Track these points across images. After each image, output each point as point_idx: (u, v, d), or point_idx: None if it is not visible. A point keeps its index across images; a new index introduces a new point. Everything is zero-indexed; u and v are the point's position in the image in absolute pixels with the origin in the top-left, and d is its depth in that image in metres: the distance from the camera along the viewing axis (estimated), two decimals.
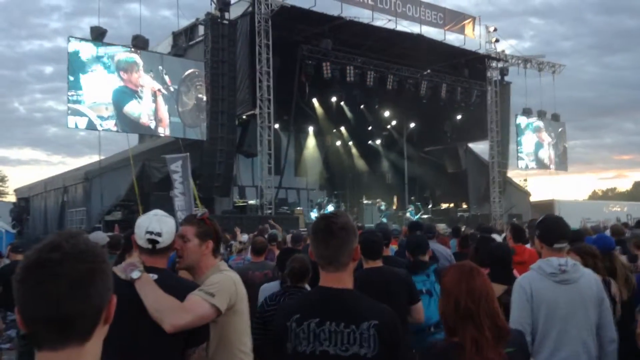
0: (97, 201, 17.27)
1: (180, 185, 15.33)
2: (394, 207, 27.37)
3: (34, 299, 1.11)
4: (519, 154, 26.84)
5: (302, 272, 3.99)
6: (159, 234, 2.53)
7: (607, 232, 9.38)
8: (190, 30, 20.37)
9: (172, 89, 17.32)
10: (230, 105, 18.41)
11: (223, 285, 2.58)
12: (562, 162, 29.44)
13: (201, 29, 19.43)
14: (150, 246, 2.54)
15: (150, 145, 20.10)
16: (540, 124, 27.71)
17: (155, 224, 2.56)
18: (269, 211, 18.64)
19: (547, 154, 28.08)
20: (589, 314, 3.04)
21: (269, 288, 4.50)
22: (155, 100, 17.05)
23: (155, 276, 2.48)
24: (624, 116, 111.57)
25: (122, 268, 2.47)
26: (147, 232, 2.54)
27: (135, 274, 2.42)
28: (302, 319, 2.10)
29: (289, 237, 8.09)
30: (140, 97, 16.79)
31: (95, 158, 19.29)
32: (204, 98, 17.84)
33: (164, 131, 17.54)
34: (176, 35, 20.66)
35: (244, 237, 10.17)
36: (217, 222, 2.89)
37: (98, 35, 16.34)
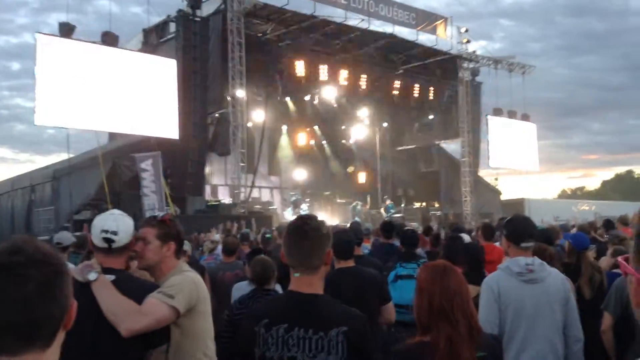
0: (65, 200, 16.91)
1: (151, 183, 15.15)
2: (367, 207, 27.48)
3: None
4: (490, 154, 27.17)
5: (264, 275, 3.95)
6: (114, 233, 2.47)
7: (574, 231, 9.58)
8: (161, 27, 20.07)
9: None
10: (202, 103, 18.24)
11: (183, 286, 2.53)
12: (532, 162, 29.90)
13: (172, 26, 19.18)
14: (106, 245, 2.48)
15: (120, 143, 19.76)
16: (511, 123, 28.09)
17: (112, 222, 2.51)
18: (242, 210, 18.54)
19: (517, 153, 28.48)
20: (555, 313, 3.08)
21: (242, 287, 4.45)
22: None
23: (113, 277, 2.42)
24: (591, 116, 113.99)
25: (78, 270, 2.41)
26: (103, 231, 2.48)
27: (91, 276, 2.36)
28: (271, 324, 2.08)
29: (259, 236, 8.05)
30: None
31: (64, 156, 18.93)
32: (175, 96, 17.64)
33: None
34: (147, 32, 20.35)
35: (216, 237, 10.13)
36: (179, 223, 2.80)
37: (67, 31, 16.02)
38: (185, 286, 2.54)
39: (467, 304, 2.08)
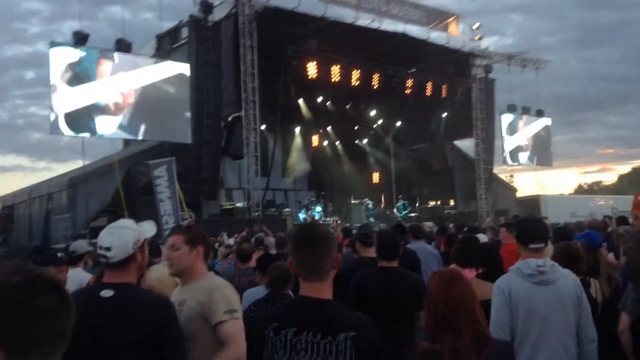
0: (82, 207, 17.11)
1: (166, 189, 15.21)
2: (382, 206, 27.42)
3: None
4: (505, 151, 26.99)
5: (283, 280, 3.98)
6: (107, 249, 2.46)
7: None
8: (174, 32, 20.24)
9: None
10: (216, 108, 18.35)
11: (233, 295, 2.71)
12: (547, 158, 29.65)
13: (185, 31, 19.32)
14: (103, 261, 2.48)
15: (135, 149, 19.96)
16: (525, 120, 27.89)
17: (106, 238, 2.50)
18: (257, 213, 18.59)
19: (532, 149, 28.27)
20: (567, 315, 3.06)
21: (253, 293, 4.49)
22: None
23: (111, 293, 2.40)
24: (606, 110, 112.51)
25: None
26: (98, 247, 2.50)
27: None
28: (280, 328, 2.10)
29: (273, 240, 8.04)
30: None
31: (80, 163, 19.14)
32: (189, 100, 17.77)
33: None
34: (160, 38, 20.53)
35: (231, 241, 10.13)
36: (203, 227, 2.93)
37: (80, 40, 16.21)
38: (234, 295, 2.72)
39: (472, 313, 2.07)
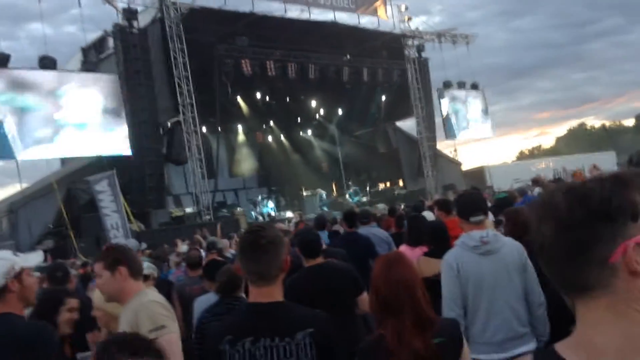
0: (25, 232, 16.48)
1: (111, 203, 14.84)
2: (334, 194, 27.58)
3: None
4: (445, 126, 27.56)
5: (232, 284, 3.91)
6: None
7: (536, 190, 9.77)
8: (99, 43, 19.61)
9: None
10: (152, 115, 17.88)
11: (161, 311, 2.59)
12: (487, 128, 30.47)
13: (111, 41, 18.74)
14: None
15: (73, 167, 19.31)
16: (461, 94, 28.54)
17: None
18: (208, 217, 18.35)
19: (471, 122, 28.98)
20: (514, 281, 3.13)
21: (203, 302, 4.39)
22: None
23: None
24: (537, 76, 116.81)
25: None
26: None
27: None
28: (236, 339, 2.04)
29: (226, 242, 7.93)
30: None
31: (17, 187, 18.41)
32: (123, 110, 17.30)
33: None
34: (85, 51, 19.86)
35: (183, 248, 9.91)
36: (149, 237, 2.85)
37: (1, 61, 15.49)
38: (160, 310, 2.58)
39: (413, 294, 2.09)
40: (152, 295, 2.68)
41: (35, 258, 2.72)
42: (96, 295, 3.05)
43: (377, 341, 2.06)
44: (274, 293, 2.11)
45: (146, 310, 2.53)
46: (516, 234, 3.94)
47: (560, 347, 0.95)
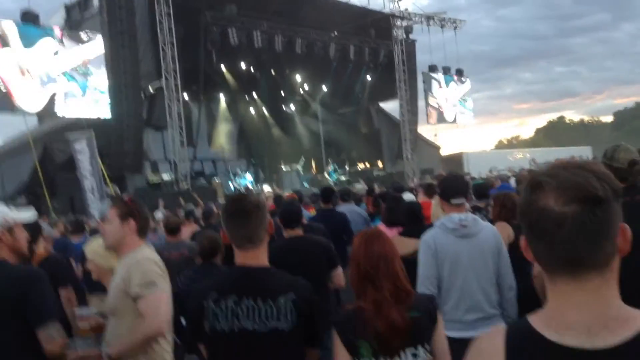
0: None
1: (89, 165, 14.70)
2: (313, 171, 27.63)
3: None
4: (428, 110, 27.68)
5: (212, 249, 3.96)
6: None
7: (512, 181, 9.95)
8: (84, 1, 19.16)
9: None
10: (134, 78, 17.61)
11: (154, 268, 2.63)
12: (468, 115, 30.69)
13: (96, 1, 18.32)
14: None
15: (51, 126, 18.97)
16: (446, 79, 28.63)
17: None
18: (186, 186, 18.27)
19: (453, 108, 29.14)
20: (488, 265, 3.23)
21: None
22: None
23: None
24: (521, 66, 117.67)
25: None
26: None
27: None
28: (220, 298, 2.11)
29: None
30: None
31: None
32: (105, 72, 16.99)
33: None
34: (69, 8, 19.39)
35: (159, 215, 9.85)
36: (141, 203, 2.90)
37: None
38: (153, 268, 2.63)
39: (392, 267, 2.17)
40: (148, 252, 2.73)
41: (25, 214, 2.79)
42: (89, 249, 3.12)
43: (355, 312, 2.13)
44: (261, 256, 2.19)
45: (140, 266, 2.59)
46: (504, 217, 4.07)
47: (533, 318, 1.01)
